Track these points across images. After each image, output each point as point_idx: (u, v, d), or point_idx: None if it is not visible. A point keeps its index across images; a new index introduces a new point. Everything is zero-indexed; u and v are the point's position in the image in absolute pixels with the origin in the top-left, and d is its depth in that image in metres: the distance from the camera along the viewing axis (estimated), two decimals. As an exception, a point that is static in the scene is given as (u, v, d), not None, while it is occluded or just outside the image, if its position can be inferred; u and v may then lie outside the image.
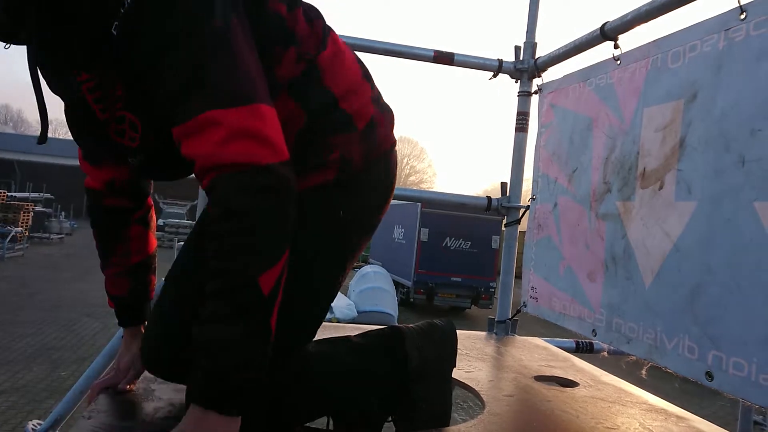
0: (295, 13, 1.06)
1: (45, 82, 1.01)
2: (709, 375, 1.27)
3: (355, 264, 1.26)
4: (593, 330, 1.73)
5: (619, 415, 1.35)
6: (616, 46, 1.73)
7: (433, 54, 2.24)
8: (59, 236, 20.32)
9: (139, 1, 0.88)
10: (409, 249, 12.95)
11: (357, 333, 1.28)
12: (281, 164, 0.87)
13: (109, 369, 1.28)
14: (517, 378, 1.59)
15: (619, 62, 1.71)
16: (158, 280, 1.30)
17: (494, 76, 2.31)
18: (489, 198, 2.36)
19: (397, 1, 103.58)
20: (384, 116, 1.18)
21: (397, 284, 12.17)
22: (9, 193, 19.79)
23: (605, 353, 1.89)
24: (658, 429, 1.28)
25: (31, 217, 17.50)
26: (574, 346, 2.18)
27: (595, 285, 1.74)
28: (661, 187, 1.47)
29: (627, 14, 1.68)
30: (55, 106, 1.13)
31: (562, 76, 2.07)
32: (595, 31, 1.82)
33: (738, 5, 1.28)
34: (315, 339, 1.17)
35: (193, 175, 0.95)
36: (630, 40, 1.71)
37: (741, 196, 1.23)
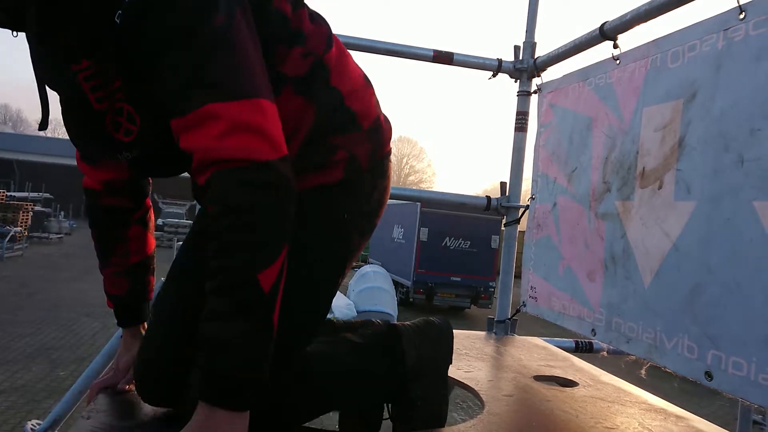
0: (300, 13, 1.06)
1: (43, 76, 1.00)
2: (709, 374, 1.27)
3: (355, 263, 1.26)
4: (593, 330, 1.73)
5: (618, 415, 1.35)
6: (615, 46, 1.73)
7: (432, 54, 2.24)
8: (58, 236, 20.32)
9: None
10: (409, 249, 12.95)
11: (354, 327, 1.28)
12: (280, 161, 0.86)
13: (108, 369, 1.28)
14: (516, 378, 1.59)
15: (618, 62, 1.71)
16: (157, 280, 1.30)
17: (494, 75, 2.31)
18: (488, 198, 2.36)
19: (397, 1, 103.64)
20: (385, 121, 1.19)
21: (396, 284, 12.15)
22: (8, 193, 19.76)
23: (605, 353, 1.89)
24: (658, 428, 1.28)
25: (30, 217, 17.48)
26: (574, 345, 2.17)
27: (595, 285, 1.74)
28: (660, 187, 1.47)
29: (626, 14, 1.68)
30: (55, 106, 1.12)
31: (561, 75, 2.07)
32: (594, 30, 1.82)
33: (737, 5, 1.28)
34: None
35: (189, 174, 0.94)
36: (629, 40, 1.71)
37: (740, 196, 1.23)
